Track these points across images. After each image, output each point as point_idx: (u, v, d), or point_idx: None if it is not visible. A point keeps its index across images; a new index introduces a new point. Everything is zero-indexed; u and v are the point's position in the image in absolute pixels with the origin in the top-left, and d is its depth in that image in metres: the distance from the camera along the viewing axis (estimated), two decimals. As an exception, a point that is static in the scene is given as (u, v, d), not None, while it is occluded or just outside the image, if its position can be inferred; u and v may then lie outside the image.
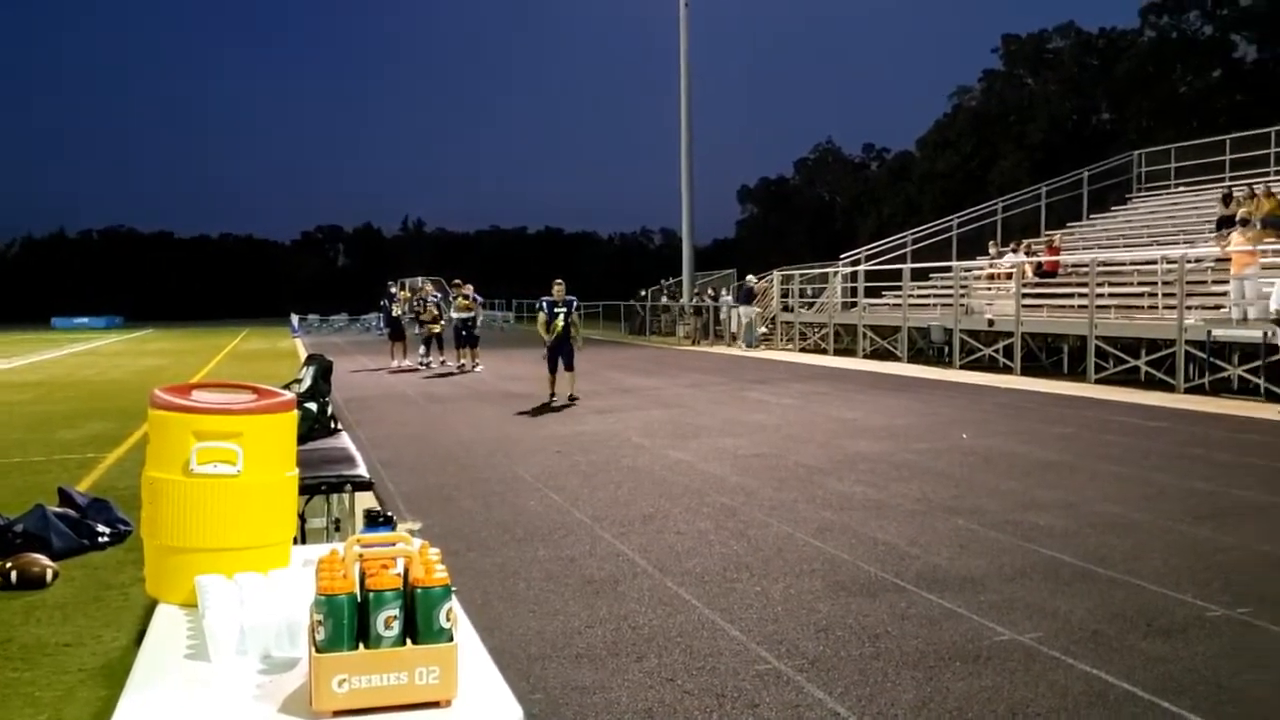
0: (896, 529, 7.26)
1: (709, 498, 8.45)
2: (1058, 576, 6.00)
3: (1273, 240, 18.18)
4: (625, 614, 5.42)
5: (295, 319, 55.25)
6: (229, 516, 2.67)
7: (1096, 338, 18.03)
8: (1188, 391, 15.81)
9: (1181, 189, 28.83)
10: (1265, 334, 14.53)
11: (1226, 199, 22.51)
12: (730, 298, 34.55)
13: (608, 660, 4.75)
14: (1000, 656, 4.72)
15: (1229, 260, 17.69)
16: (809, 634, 5.06)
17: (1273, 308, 13.56)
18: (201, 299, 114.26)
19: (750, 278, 32.11)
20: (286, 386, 5.20)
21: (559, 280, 16.11)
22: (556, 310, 15.81)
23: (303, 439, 4.91)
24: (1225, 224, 20.64)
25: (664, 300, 42.60)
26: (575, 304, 16.09)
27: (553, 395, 15.91)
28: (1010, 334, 20.27)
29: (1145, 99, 55.69)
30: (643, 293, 44.98)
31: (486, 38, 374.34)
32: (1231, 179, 26.07)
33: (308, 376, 5.66)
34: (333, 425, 5.63)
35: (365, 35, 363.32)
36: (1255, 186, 21.71)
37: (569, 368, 15.79)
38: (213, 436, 2.66)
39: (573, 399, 15.69)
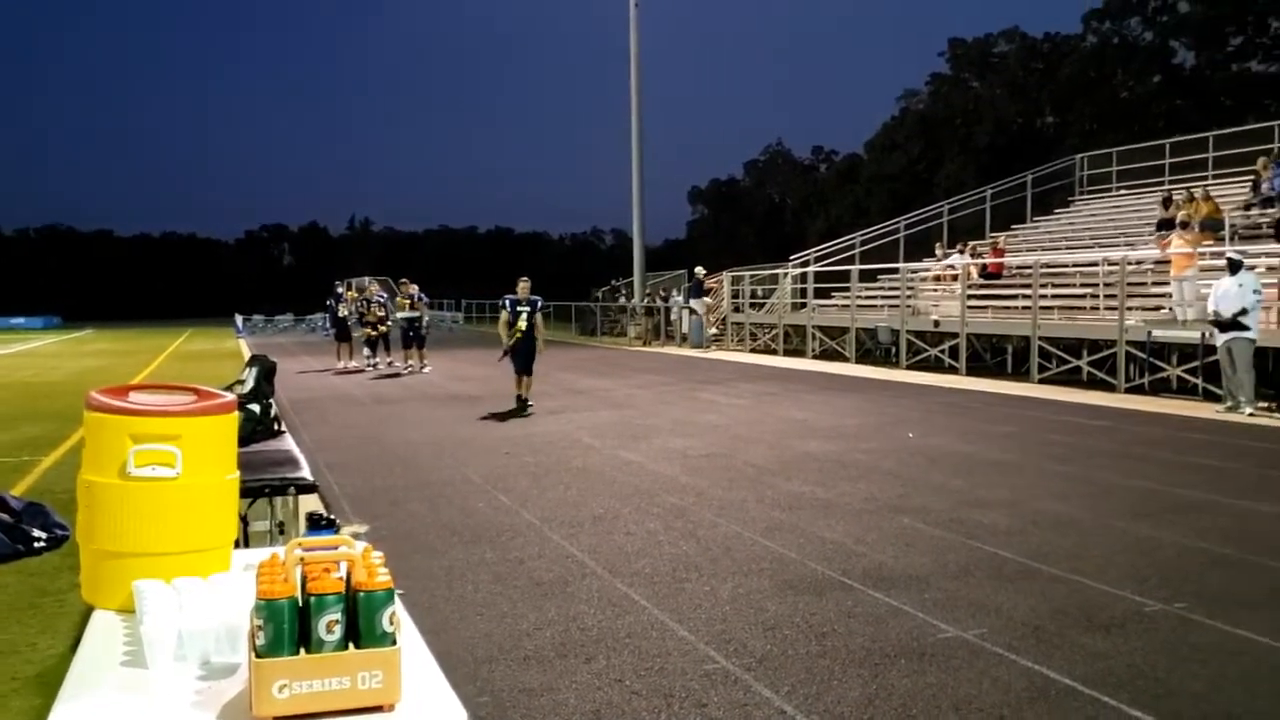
0: (844, 528, 7.31)
1: (659, 498, 8.46)
2: (1001, 574, 6.08)
3: (1210, 243, 18.52)
4: (574, 615, 5.40)
5: (239, 319, 54.56)
6: (167, 520, 2.62)
7: (1040, 338, 18.27)
8: (1128, 391, 16.07)
9: (1123, 192, 29.29)
10: (1203, 335, 14.80)
11: (1166, 202, 22.89)
12: (681, 297, 34.66)
13: (556, 662, 4.73)
14: (944, 653, 4.76)
15: (1168, 262, 18.00)
16: (757, 633, 5.07)
17: (1210, 309, 13.81)
18: (143, 299, 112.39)
19: (699, 270, 32.19)
20: (229, 388, 5.13)
21: (524, 278, 15.39)
22: (520, 309, 15.05)
23: (245, 441, 4.85)
24: (1165, 226, 20.99)
25: (620, 300, 42.55)
26: (539, 303, 15.39)
27: (520, 396, 15.17)
28: (956, 335, 20.51)
29: (1088, 103, 56.55)
30: (598, 294, 44.92)
31: (436, 36, 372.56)
32: (1171, 182, 26.52)
33: (250, 378, 5.58)
34: (276, 427, 5.56)
35: (311, 32, 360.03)
36: (1194, 190, 22.11)
37: (528, 371, 15.14)
38: (150, 439, 2.61)
39: (526, 403, 15.02)
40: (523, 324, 14.99)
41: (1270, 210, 20.01)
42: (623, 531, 7.31)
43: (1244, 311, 13.18)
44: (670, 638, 5.03)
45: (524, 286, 15.14)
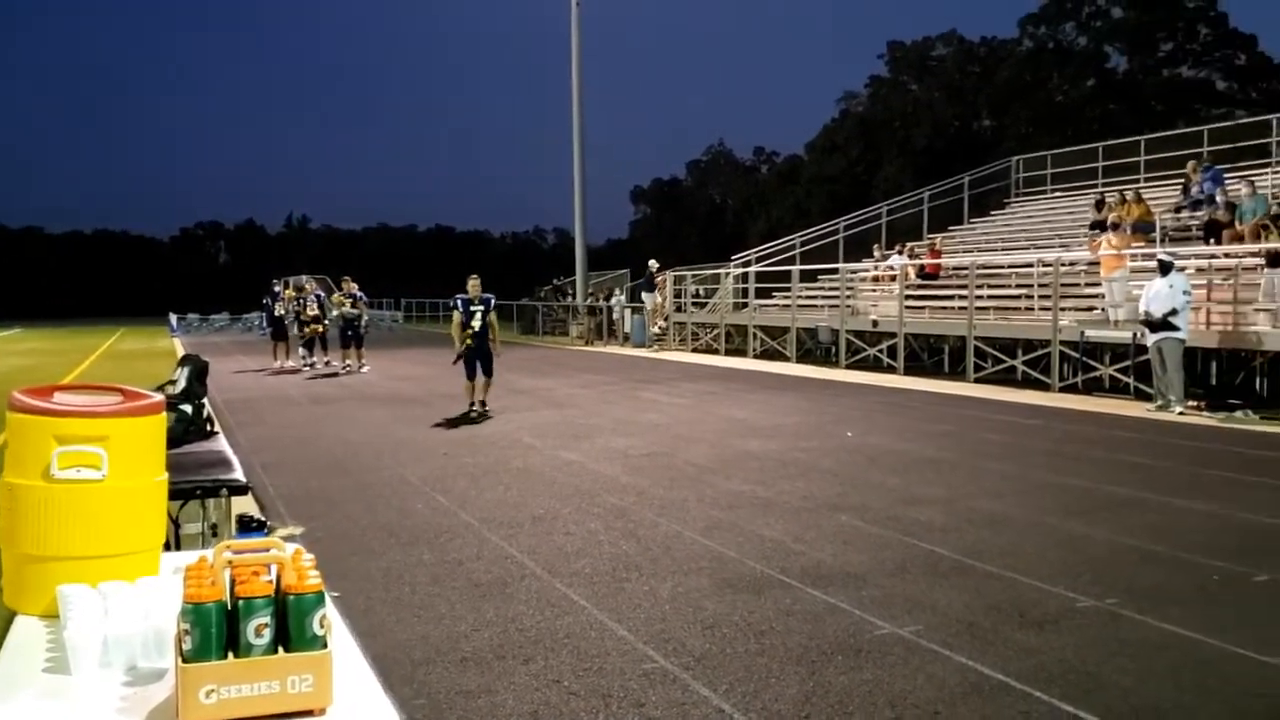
0: (783, 526, 7.35)
1: (599, 498, 8.45)
2: (936, 571, 6.15)
3: (1141, 244, 18.89)
4: (512, 616, 5.38)
5: (174, 318, 53.68)
6: (93, 523, 2.57)
7: (976, 338, 18.52)
8: (1062, 390, 16.34)
9: (1057, 194, 29.77)
10: (1135, 335, 15.09)
11: (1099, 204, 23.31)
12: (623, 297, 34.76)
13: (494, 663, 4.71)
14: (881, 650, 4.81)
15: (1101, 263, 18.32)
16: (696, 632, 5.09)
17: (1142, 310, 14.08)
18: (75, 297, 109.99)
19: (652, 262, 32.27)
20: (160, 388, 5.04)
21: (474, 276, 14.71)
22: (473, 309, 14.25)
23: (177, 442, 4.77)
24: (1098, 228, 21.38)
25: (566, 299, 42.43)
26: (493, 302, 14.64)
27: (472, 405, 14.40)
28: (894, 335, 20.72)
29: (1024, 107, 57.37)
30: (541, 292, 44.77)
31: (376, 33, 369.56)
32: (1104, 185, 27.01)
33: (182, 378, 5.49)
34: (209, 428, 5.47)
35: (247, 27, 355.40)
36: (1126, 192, 22.53)
37: (487, 373, 14.43)
38: (75, 440, 2.55)
39: (484, 407, 14.35)
40: (477, 324, 14.24)
41: (1199, 213, 20.44)
42: (562, 532, 7.30)
43: (1174, 312, 13.44)
44: (609, 638, 5.03)
45: (474, 284, 14.45)
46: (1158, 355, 13.79)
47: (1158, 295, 13.71)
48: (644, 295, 31.41)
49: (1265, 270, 15.48)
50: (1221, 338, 15.20)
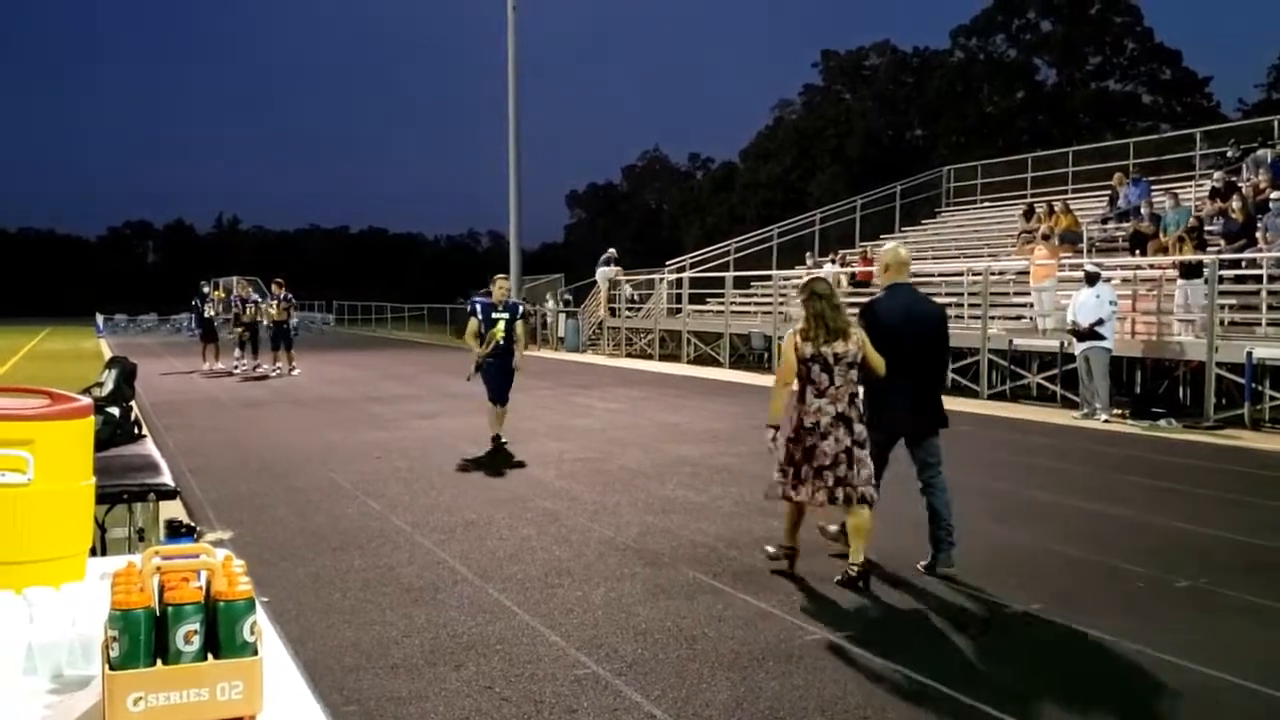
0: (715, 531, 7.40)
1: (533, 503, 8.44)
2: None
3: (1069, 254, 19.28)
4: (444, 622, 5.36)
5: (100, 319, 52.60)
6: (17, 528, 2.52)
7: (907, 346, 18.71)
8: (990, 397, 16.61)
9: (987, 204, 30.30)
10: (1062, 344, 15.40)
11: (1028, 214, 23.78)
12: (554, 304, 34.89)
13: (425, 669, 4.69)
14: (812, 655, 4.86)
15: (1029, 273, 18.67)
16: (628, 637, 5.11)
17: (1069, 319, 14.35)
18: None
19: (611, 250, 32.43)
20: (87, 390, 4.96)
21: (502, 275, 12.03)
22: (495, 315, 11.31)
23: (104, 445, 4.69)
24: (1027, 238, 21.79)
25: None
26: (521, 309, 11.95)
27: (498, 437, 11.56)
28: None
29: (955, 117, 58.30)
30: (471, 292, 44.47)
31: (308, 31, 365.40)
32: (1033, 195, 27.54)
33: (109, 380, 5.40)
34: (137, 431, 5.38)
35: (175, 26, 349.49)
36: (1054, 203, 23.00)
37: (502, 398, 11.60)
38: (0, 444, 2.51)
39: (502, 442, 11.49)
40: (500, 334, 11.29)
41: (1126, 224, 20.91)
42: (495, 537, 7.28)
43: (1100, 322, 13.73)
44: (541, 643, 5.03)
45: (503, 286, 11.69)
46: (1085, 364, 14.08)
47: (1085, 305, 13.96)
48: (599, 270, 31.45)
49: (1179, 282, 15.88)
50: (1145, 347, 15.59)
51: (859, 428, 6.12)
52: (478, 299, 11.76)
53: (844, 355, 6.10)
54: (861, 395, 6.26)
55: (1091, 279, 14.06)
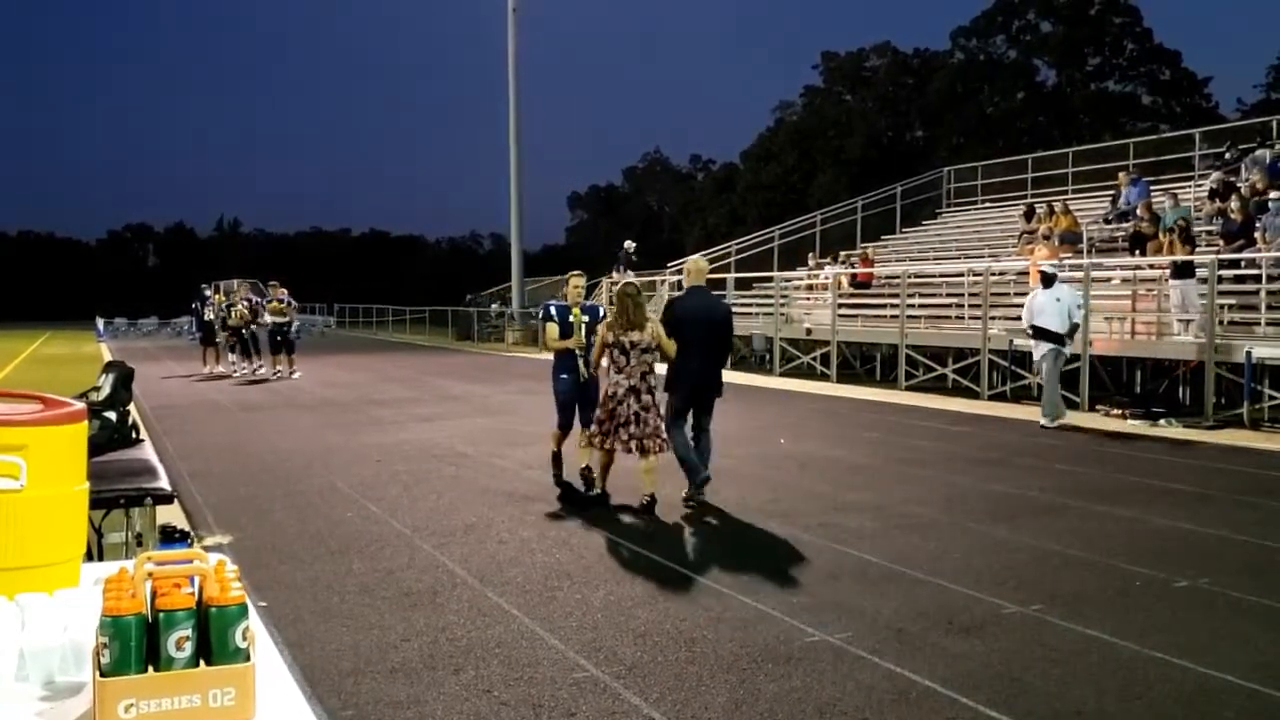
0: (714, 533, 7.39)
1: (533, 506, 8.44)
2: (865, 577, 6.22)
3: (1069, 255, 19.27)
4: (443, 626, 5.35)
5: (100, 322, 52.62)
6: (10, 534, 2.52)
7: (907, 346, 18.77)
8: (991, 398, 16.60)
9: (987, 205, 30.28)
10: (1010, 342, 15.21)
11: (1028, 215, 23.78)
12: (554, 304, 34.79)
13: (424, 673, 4.68)
14: (810, 657, 4.86)
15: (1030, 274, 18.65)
16: (627, 640, 5.10)
17: (1025, 322, 13.82)
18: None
19: (629, 243, 32.31)
20: (84, 394, 4.96)
21: (578, 273, 9.96)
22: (572, 320, 9.44)
23: (102, 450, 4.68)
24: (1027, 238, 21.79)
25: (495, 306, 42.22)
26: (601, 312, 9.65)
27: (586, 471, 9.11)
28: (827, 342, 20.92)
29: (955, 118, 58.28)
30: (469, 296, 44.55)
31: (309, 34, 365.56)
32: (1033, 195, 27.53)
33: (107, 384, 5.39)
34: (134, 435, 5.38)
35: (176, 28, 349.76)
36: (1054, 203, 23.00)
37: (587, 421, 9.12)
38: (-7, 450, 2.51)
39: (591, 478, 9.03)
40: (581, 339, 9.37)
41: (1126, 224, 20.91)
42: (495, 540, 7.27)
43: (1076, 328, 13.46)
44: (540, 647, 5.02)
45: (578, 285, 9.78)
46: (1042, 366, 13.62)
47: (1043, 309, 13.42)
48: (614, 274, 31.41)
49: (1170, 281, 15.82)
50: (1145, 347, 15.55)
51: (646, 397, 8.18)
52: (551, 303, 10.06)
53: (638, 343, 8.16)
54: (657, 372, 8.36)
55: (1048, 280, 13.52)
